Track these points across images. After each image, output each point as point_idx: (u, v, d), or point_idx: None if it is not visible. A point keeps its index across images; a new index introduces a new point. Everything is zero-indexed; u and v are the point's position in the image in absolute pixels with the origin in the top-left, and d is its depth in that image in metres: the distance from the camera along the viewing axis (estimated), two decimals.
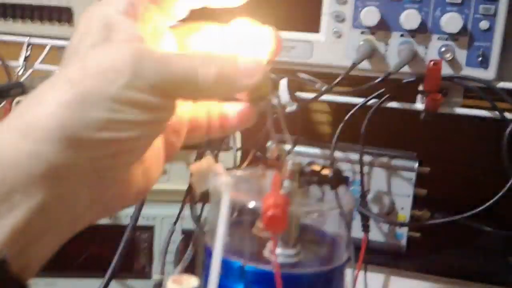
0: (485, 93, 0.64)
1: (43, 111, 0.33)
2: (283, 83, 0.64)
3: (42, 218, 0.33)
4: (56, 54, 0.83)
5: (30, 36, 0.80)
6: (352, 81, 0.69)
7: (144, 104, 0.35)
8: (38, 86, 0.35)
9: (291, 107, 0.63)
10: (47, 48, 0.82)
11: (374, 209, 0.76)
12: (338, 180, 0.51)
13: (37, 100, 0.34)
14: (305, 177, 0.49)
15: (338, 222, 0.54)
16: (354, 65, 0.62)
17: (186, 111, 0.43)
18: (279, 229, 0.42)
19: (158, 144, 0.42)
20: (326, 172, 0.51)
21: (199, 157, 0.69)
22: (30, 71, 0.82)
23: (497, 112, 0.65)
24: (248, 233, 0.51)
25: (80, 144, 0.33)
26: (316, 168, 0.51)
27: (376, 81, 0.63)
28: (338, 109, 0.69)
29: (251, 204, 0.50)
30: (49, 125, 0.32)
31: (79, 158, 0.33)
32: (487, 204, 0.63)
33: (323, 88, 0.65)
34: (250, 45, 0.41)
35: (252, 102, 0.41)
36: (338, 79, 0.63)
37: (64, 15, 0.78)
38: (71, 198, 0.34)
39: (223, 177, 0.43)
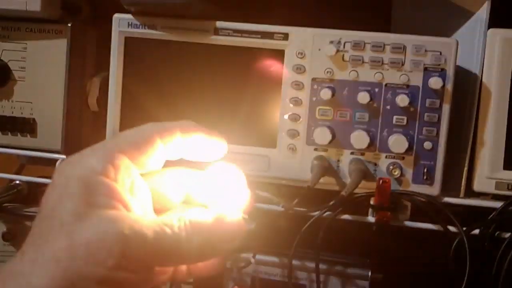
0: (432, 207, 0.68)
1: None
2: None
3: None
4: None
5: None
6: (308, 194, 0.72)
7: (129, 282, 0.35)
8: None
9: (250, 226, 0.65)
10: None
11: None
12: None
13: (23, 281, 0.33)
14: None
15: None
16: (309, 187, 0.65)
17: None
18: None
19: None
20: None
21: None
22: None
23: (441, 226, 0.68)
24: None
25: None
26: None
27: (330, 203, 0.66)
28: (297, 218, 0.72)
29: None
30: None
31: None
32: None
33: (281, 206, 0.68)
34: (227, 195, 0.42)
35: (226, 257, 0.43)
36: (295, 201, 0.66)
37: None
38: None
39: None
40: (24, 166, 0.92)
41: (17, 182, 0.86)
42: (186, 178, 0.45)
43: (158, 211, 0.43)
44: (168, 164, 0.44)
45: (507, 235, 0.66)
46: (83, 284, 0.33)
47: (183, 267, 0.45)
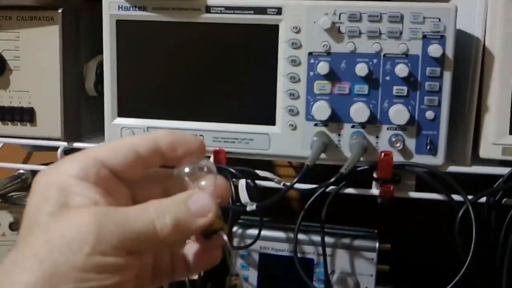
0: (435, 178, 0.67)
1: None
2: (242, 184, 0.66)
3: None
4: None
5: None
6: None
7: (110, 267, 0.36)
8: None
9: (251, 207, 0.65)
10: None
11: None
12: None
13: (7, 282, 0.34)
14: None
15: None
16: (307, 167, 0.64)
17: (148, 260, 0.44)
18: None
19: None
20: None
21: None
22: None
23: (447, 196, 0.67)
24: None
25: None
26: None
27: (330, 180, 0.65)
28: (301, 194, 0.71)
29: None
30: None
31: None
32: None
33: (282, 184, 0.67)
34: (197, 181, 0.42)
35: (206, 238, 0.42)
36: (295, 180, 0.65)
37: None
38: None
39: None
40: (31, 155, 0.92)
41: (21, 171, 0.86)
42: (161, 176, 0.45)
43: None
44: None
45: None
46: (64, 274, 0.34)
47: (181, 264, 0.45)
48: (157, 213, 0.38)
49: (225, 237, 0.42)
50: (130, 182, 0.43)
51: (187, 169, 0.43)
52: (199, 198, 0.40)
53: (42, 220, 0.36)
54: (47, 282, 0.34)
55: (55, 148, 0.78)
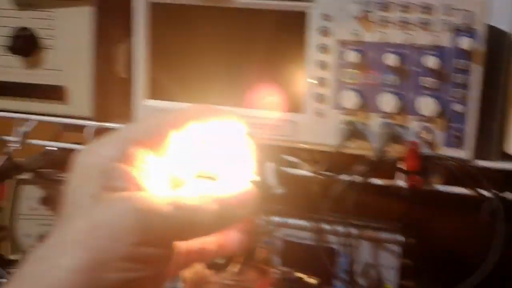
0: (463, 171, 0.66)
1: (58, 277, 0.33)
2: (271, 167, 0.66)
3: None
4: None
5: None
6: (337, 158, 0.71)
7: (153, 257, 0.36)
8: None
9: (279, 191, 0.65)
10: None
11: (362, 281, 0.77)
12: None
13: (48, 265, 0.34)
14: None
15: None
16: (336, 152, 0.64)
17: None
18: None
19: None
20: (310, 280, 0.52)
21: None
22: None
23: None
24: None
25: None
26: (301, 276, 0.52)
27: (359, 169, 0.64)
28: (326, 183, 0.71)
29: None
30: None
31: None
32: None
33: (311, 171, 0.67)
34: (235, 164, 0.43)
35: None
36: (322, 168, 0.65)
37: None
38: None
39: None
40: (62, 133, 0.94)
41: (51, 148, 0.87)
42: (196, 153, 0.45)
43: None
44: None
45: None
46: (107, 262, 0.34)
47: (211, 247, 0.45)
48: (200, 204, 0.39)
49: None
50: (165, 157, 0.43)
51: None
52: (242, 190, 0.42)
53: (85, 203, 0.37)
54: (89, 270, 0.34)
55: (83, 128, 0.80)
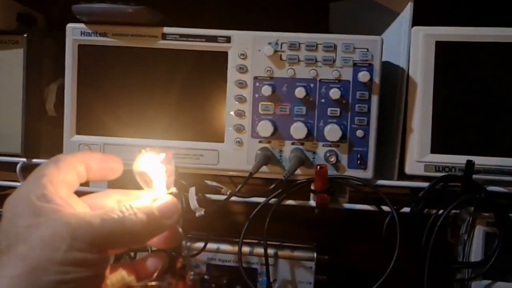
0: (366, 190, 0.75)
1: (1, 285, 0.39)
2: (192, 191, 0.72)
3: None
4: None
5: None
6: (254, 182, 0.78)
7: (86, 261, 0.42)
8: None
9: (200, 212, 0.71)
10: None
11: None
12: None
13: None
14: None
15: None
16: (251, 174, 0.71)
17: None
18: None
19: None
20: None
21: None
22: None
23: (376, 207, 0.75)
24: None
25: None
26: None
27: (271, 186, 0.72)
28: (246, 208, 0.77)
29: None
30: None
31: None
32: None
33: (228, 193, 0.73)
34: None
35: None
36: (239, 186, 0.72)
37: None
38: None
39: None
40: None
41: None
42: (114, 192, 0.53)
43: None
44: None
45: (434, 211, 0.73)
46: (45, 267, 0.40)
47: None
48: (130, 215, 0.45)
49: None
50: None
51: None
52: (167, 200, 0.48)
53: (21, 232, 0.42)
54: (31, 275, 0.40)
55: (14, 165, 0.83)
